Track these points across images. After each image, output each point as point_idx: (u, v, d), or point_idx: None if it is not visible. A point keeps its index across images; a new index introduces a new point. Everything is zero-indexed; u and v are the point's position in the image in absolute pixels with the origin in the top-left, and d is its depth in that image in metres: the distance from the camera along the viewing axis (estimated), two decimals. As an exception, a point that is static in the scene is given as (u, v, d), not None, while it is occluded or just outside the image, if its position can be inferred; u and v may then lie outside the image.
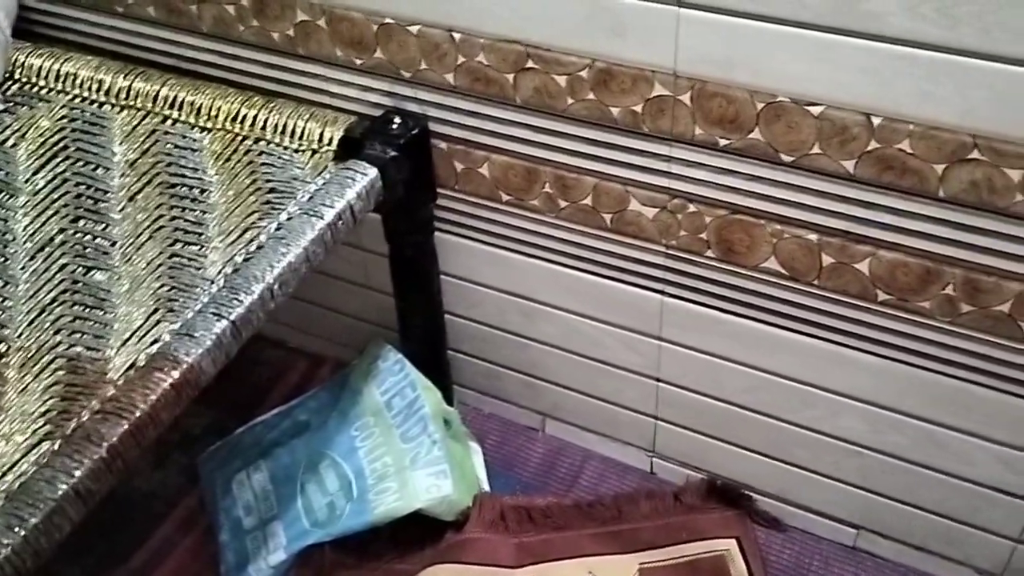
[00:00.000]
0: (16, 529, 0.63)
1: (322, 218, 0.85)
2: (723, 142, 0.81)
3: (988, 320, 0.79)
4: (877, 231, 0.79)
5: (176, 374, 0.72)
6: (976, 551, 0.96)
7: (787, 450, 1.00)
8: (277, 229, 0.85)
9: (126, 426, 0.69)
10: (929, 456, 0.91)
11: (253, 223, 0.86)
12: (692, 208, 0.87)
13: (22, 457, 0.68)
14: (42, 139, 0.98)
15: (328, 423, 1.09)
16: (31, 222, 0.91)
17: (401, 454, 1.04)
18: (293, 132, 0.95)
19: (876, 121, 0.73)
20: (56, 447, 0.68)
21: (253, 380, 1.26)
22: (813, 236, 0.83)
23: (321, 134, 0.94)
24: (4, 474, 0.67)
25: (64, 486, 0.65)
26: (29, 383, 0.75)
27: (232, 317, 0.76)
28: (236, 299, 0.78)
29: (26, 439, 0.70)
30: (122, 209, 0.91)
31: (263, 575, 1.00)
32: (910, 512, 0.96)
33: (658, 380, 1.03)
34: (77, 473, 0.66)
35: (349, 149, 0.92)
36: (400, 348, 1.10)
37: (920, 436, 0.90)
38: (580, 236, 0.95)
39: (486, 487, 1.11)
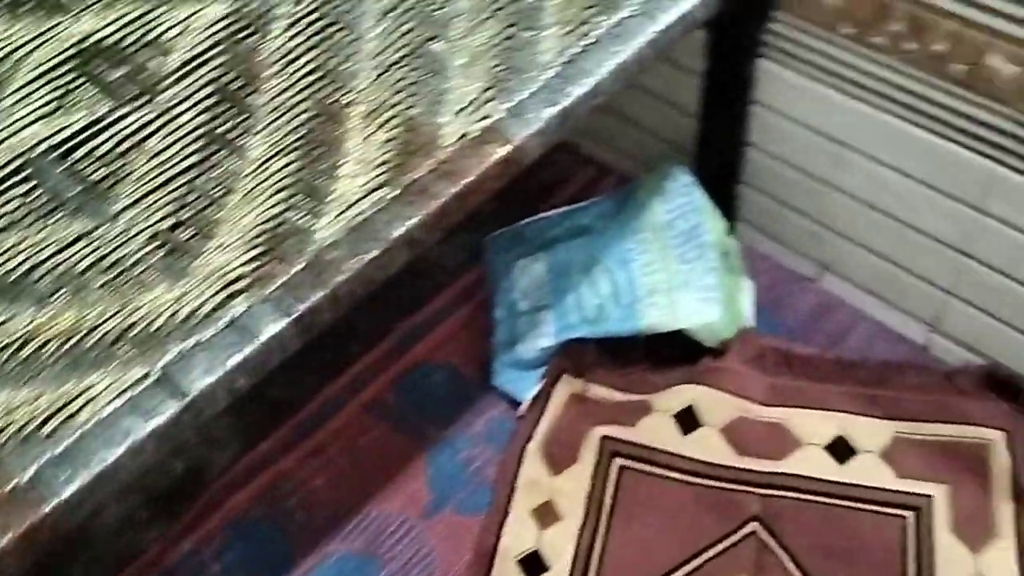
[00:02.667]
0: (356, 258, 0.70)
1: (659, 22, 0.84)
2: None
3: None
4: None
5: (505, 150, 0.76)
6: None
7: (1093, 354, 0.93)
8: (612, 27, 0.85)
9: (457, 189, 0.74)
10: None
11: (590, 17, 0.87)
12: (1063, 73, 0.79)
13: (363, 198, 0.75)
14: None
15: (609, 231, 1.12)
16: (383, -15, 0.95)
17: (674, 274, 1.05)
18: (638, -70, 0.93)
19: None
20: (393, 195, 0.74)
21: (538, 178, 1.30)
22: None
23: (668, -65, 0.91)
24: (347, 210, 0.74)
25: (399, 230, 0.72)
26: (370, 135, 0.82)
27: (562, 106, 0.79)
28: (567, 90, 0.80)
29: (366, 183, 0.77)
30: (466, -15, 0.94)
31: (530, 355, 1.07)
32: None
33: (965, 255, 0.97)
34: (411, 221, 0.72)
35: (693, -45, 0.89)
36: (692, 171, 1.10)
37: None
38: (920, 85, 0.89)
39: (751, 324, 1.11)
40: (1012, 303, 0.96)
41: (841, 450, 1.00)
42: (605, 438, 1.02)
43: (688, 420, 1.03)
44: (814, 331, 1.11)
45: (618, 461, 1.01)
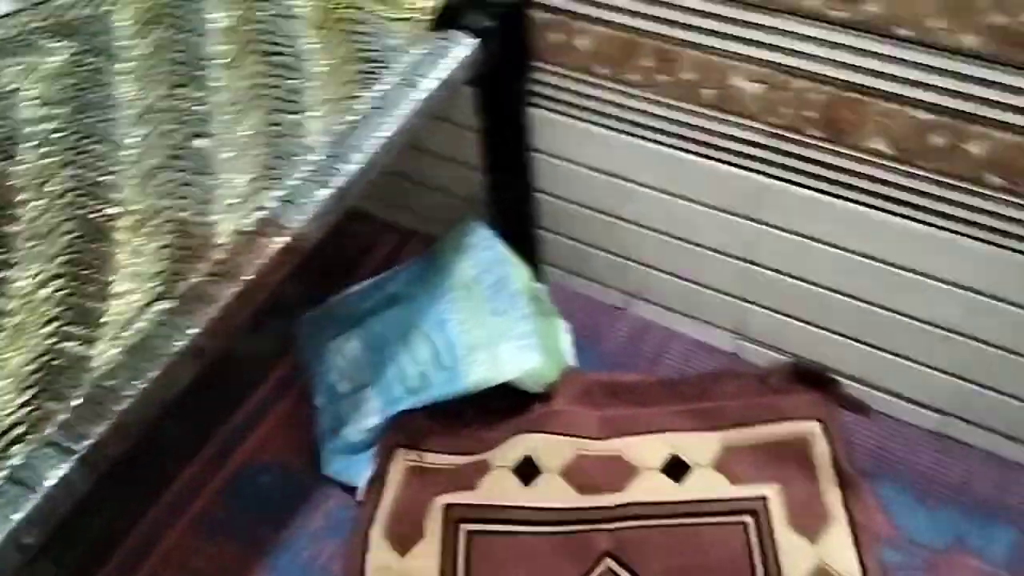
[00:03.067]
0: (137, 382, 0.66)
1: (421, 89, 0.84)
2: (834, 14, 0.78)
3: (1108, 206, 0.76)
4: (992, 110, 0.76)
5: (282, 240, 0.74)
6: (1068, 442, 0.95)
7: (878, 335, 0.99)
8: (376, 99, 0.85)
9: (237, 289, 0.71)
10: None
11: (351, 93, 0.86)
12: (798, 84, 0.84)
13: (139, 314, 0.71)
14: (141, 5, 0.99)
15: (419, 296, 1.12)
16: (132, 88, 0.92)
17: (490, 327, 1.06)
18: (389, 0, 0.94)
19: (1006, -8, 0.69)
20: (171, 307, 0.71)
21: (343, 253, 1.28)
22: (925, 115, 0.79)
23: (420, 4, 0.92)
24: (123, 330, 0.70)
25: (181, 343, 0.68)
26: (140, 245, 0.78)
27: (335, 186, 0.78)
28: (338, 168, 0.79)
29: (141, 298, 0.73)
30: (221, 77, 0.92)
31: (356, 437, 1.04)
32: (999, 399, 0.95)
33: (751, 263, 1.02)
34: (192, 332, 0.69)
35: (445, 18, 0.91)
36: (489, 224, 1.11)
37: (1017, 322, 0.88)
38: (678, 112, 0.93)
39: (573, 363, 1.13)
40: (800, 300, 1.01)
41: (676, 469, 1.02)
42: (448, 506, 1.00)
43: (527, 470, 1.02)
44: (633, 358, 1.14)
45: (465, 527, 0.99)
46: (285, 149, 0.83)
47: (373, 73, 0.87)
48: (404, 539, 0.99)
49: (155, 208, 0.80)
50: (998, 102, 0.75)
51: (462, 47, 0.87)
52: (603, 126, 0.99)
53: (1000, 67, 0.73)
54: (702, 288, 1.08)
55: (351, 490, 1.04)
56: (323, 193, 0.77)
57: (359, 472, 1.03)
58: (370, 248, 1.29)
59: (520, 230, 1.12)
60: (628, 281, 1.15)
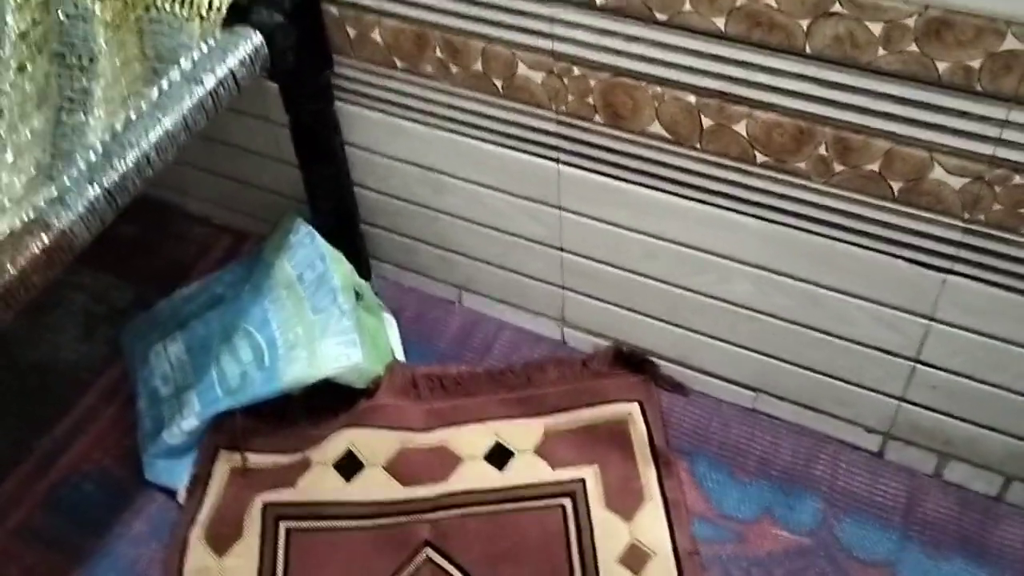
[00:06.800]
0: None
1: (202, 84, 0.84)
2: (600, 1, 0.80)
3: (859, 179, 0.80)
4: (751, 91, 0.79)
5: (47, 239, 0.73)
6: (864, 410, 0.98)
7: (685, 316, 1.02)
8: (158, 96, 0.84)
9: (-5, 288, 0.70)
10: (812, 317, 0.93)
11: (136, 91, 0.86)
12: (577, 71, 0.86)
13: None
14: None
15: (242, 296, 1.11)
16: (-80, 94, 0.90)
17: (311, 324, 1.06)
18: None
19: (744, -24, 0.72)
20: (-74, 309, 0.70)
21: (178, 256, 1.27)
22: (692, 98, 0.82)
23: (210, 1, 0.92)
24: None
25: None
26: (-90, 251, 0.76)
27: (105, 184, 0.77)
28: (110, 166, 0.78)
29: (-99, 303, 0.72)
30: (11, 81, 0.91)
31: (176, 440, 1.03)
32: (801, 373, 0.99)
33: (562, 250, 1.04)
34: (-57, 332, 0.68)
35: (238, 15, 0.91)
36: (312, 221, 1.11)
37: (802, 297, 0.91)
38: (475, 103, 0.95)
39: (401, 357, 1.13)
40: (612, 285, 1.04)
41: (499, 456, 1.03)
42: (268, 505, 1.00)
43: (349, 465, 1.03)
44: (463, 349, 1.15)
45: (284, 524, 0.99)
46: (65, 148, 0.82)
47: (161, 70, 0.87)
48: (223, 539, 0.98)
49: (-73, 213, 0.79)
50: (756, 83, 0.78)
51: (247, 43, 0.88)
52: (408, 119, 1.01)
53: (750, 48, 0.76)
54: (524, 278, 1.10)
55: (174, 494, 1.02)
56: (93, 191, 0.76)
57: (180, 475, 1.03)
58: (205, 251, 1.28)
59: (343, 225, 1.13)
60: (456, 274, 1.16)
